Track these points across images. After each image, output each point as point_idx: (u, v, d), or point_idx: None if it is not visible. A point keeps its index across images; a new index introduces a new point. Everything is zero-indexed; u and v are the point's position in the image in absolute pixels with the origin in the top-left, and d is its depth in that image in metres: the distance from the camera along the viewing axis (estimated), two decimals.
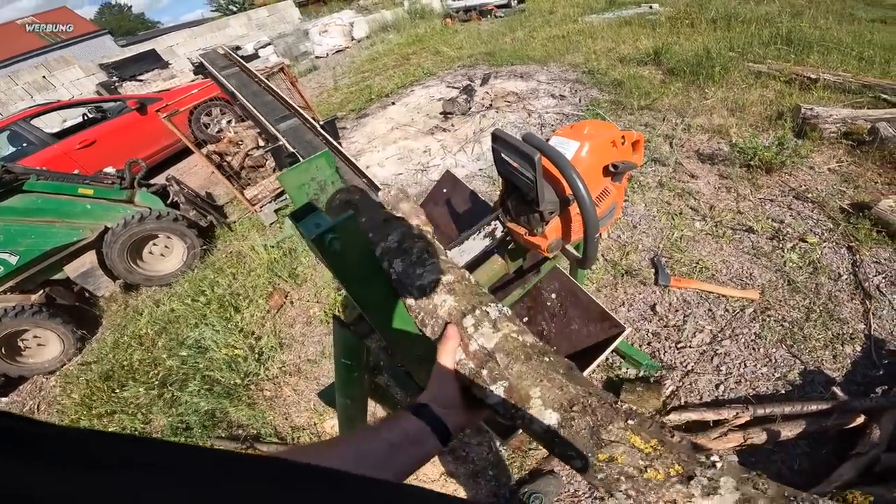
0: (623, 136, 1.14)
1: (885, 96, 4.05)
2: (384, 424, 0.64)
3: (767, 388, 2.17)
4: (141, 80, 10.07)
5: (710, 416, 2.03)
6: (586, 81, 6.04)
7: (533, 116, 5.35)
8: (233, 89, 2.21)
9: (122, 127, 6.85)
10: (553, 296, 2.00)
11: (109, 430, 2.85)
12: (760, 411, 1.97)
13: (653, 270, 2.89)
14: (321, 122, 2.07)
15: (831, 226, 2.91)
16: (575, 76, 6.32)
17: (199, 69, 2.44)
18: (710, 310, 2.60)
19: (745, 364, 2.28)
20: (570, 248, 1.40)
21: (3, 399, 3.66)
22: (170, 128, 4.08)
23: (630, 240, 3.20)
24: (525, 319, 2.18)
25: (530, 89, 6.16)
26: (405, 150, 5.43)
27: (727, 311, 2.57)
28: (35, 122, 6.43)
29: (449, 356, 0.71)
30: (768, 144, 3.51)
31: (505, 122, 5.39)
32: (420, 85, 7.56)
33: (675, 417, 2.07)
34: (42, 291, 3.78)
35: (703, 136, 4.17)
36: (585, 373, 1.72)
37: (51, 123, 8.34)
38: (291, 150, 1.90)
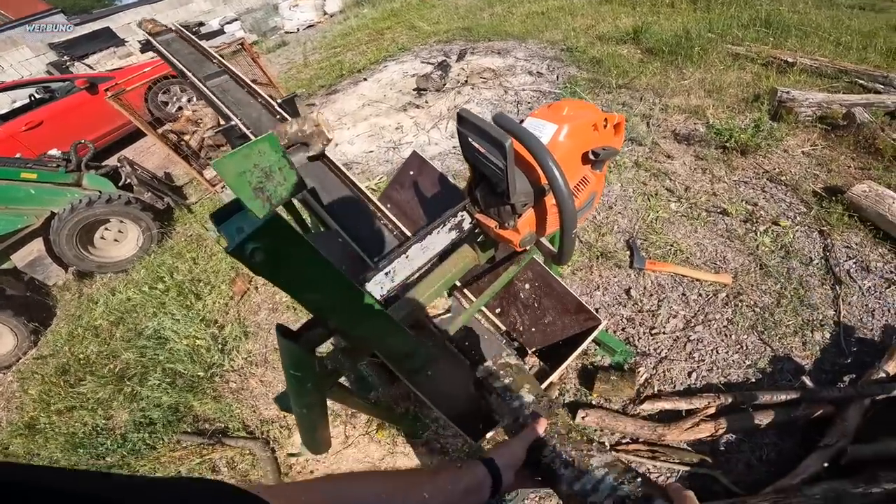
0: (605, 119, 1.04)
1: (861, 82, 4.07)
2: (450, 475, 0.75)
3: (738, 376, 2.16)
4: (91, 61, 9.46)
5: (682, 405, 2.01)
6: (564, 59, 5.91)
7: (509, 94, 5.21)
8: (182, 67, 2.00)
9: (71, 107, 6.46)
10: (526, 286, 1.92)
11: (69, 426, 2.75)
12: (731, 400, 1.96)
13: (628, 253, 2.85)
14: (278, 101, 1.91)
15: (804, 209, 2.91)
16: (553, 53, 6.19)
17: (147, 47, 2.23)
18: (684, 294, 2.58)
19: (717, 351, 2.27)
20: (545, 241, 1.29)
21: None
22: (116, 108, 3.82)
23: (606, 221, 3.15)
24: (497, 311, 2.12)
25: (507, 66, 6.00)
26: (376, 128, 5.26)
27: (701, 295, 2.55)
28: None
29: (531, 437, 0.88)
30: (744, 126, 3.50)
31: (480, 98, 5.25)
32: (394, 61, 7.31)
33: (648, 407, 2.06)
34: None
35: (679, 117, 4.13)
36: (561, 368, 1.64)
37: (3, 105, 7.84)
38: (245, 130, 1.74)
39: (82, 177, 3.98)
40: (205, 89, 1.88)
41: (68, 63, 8.72)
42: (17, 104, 7.36)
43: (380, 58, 7.58)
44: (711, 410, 1.96)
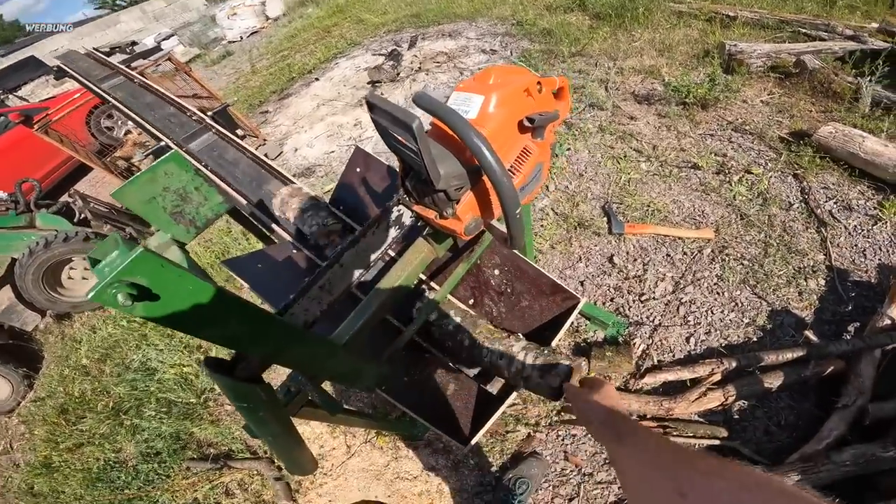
0: (539, 83, 0.94)
1: (803, 30, 4.00)
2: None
3: (739, 337, 2.04)
4: (25, 92, 8.67)
5: (685, 374, 1.88)
6: (516, 33, 5.71)
7: (465, 75, 4.99)
8: (99, 90, 1.77)
9: (11, 144, 5.84)
10: (496, 272, 1.73)
11: (83, 462, 2.70)
12: (735, 364, 1.83)
13: (605, 219, 2.71)
14: (209, 114, 1.67)
15: (773, 155, 2.81)
16: (504, 29, 5.97)
17: (60, 73, 1.97)
18: (668, 255, 2.45)
19: (711, 311, 2.15)
20: (497, 224, 1.13)
21: None
22: (46, 140, 3.44)
23: (578, 189, 3.00)
24: (471, 302, 1.95)
25: (460, 47, 5.75)
26: (334, 126, 4.98)
27: (685, 254, 2.43)
28: None
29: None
30: (700, 81, 3.39)
31: (437, 83, 5.01)
32: (344, 57, 6.95)
33: (650, 380, 1.92)
34: None
35: (636, 78, 3.99)
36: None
37: None
38: (175, 147, 1.50)
39: (34, 217, 3.69)
40: (129, 112, 1.64)
41: (2, 97, 7.94)
42: None
43: (329, 56, 7.21)
44: (717, 377, 1.83)
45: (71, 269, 3.77)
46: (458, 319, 1.45)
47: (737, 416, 1.82)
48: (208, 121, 1.64)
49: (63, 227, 3.66)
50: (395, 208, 1.09)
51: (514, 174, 0.93)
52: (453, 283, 1.45)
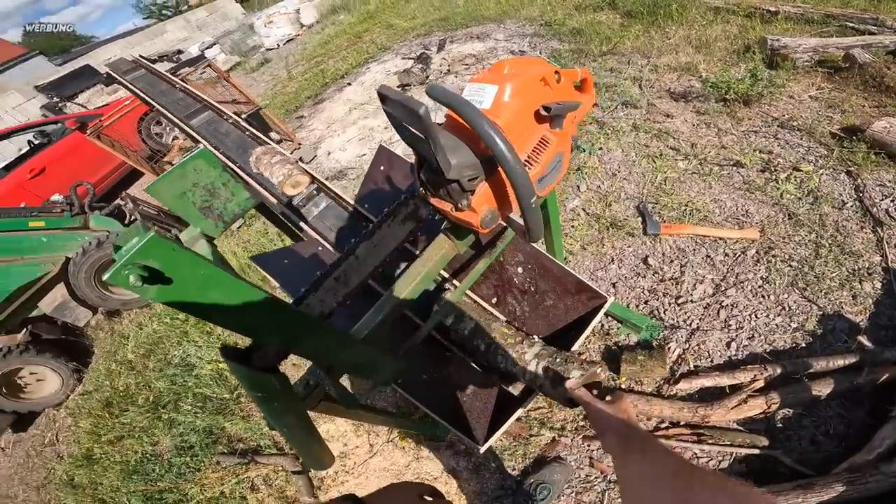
0: (557, 72, 0.90)
1: (851, 24, 3.72)
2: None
3: (785, 342, 1.88)
4: (82, 99, 9.18)
5: (724, 380, 1.75)
6: (545, 34, 5.58)
7: None
8: (142, 95, 1.83)
9: (69, 149, 6.13)
10: (519, 269, 1.67)
11: (122, 455, 2.83)
12: (780, 371, 1.69)
13: (640, 219, 2.58)
14: (243, 116, 1.69)
15: (824, 152, 2.60)
16: (533, 30, 5.85)
17: (109, 81, 2.05)
18: (708, 256, 2.30)
19: (755, 315, 1.99)
20: (516, 217, 1.10)
21: (23, 434, 3.63)
22: (99, 146, 3.60)
23: (611, 189, 2.87)
24: (494, 301, 1.90)
25: (488, 49, 5.68)
26: (366, 130, 5.00)
27: (727, 255, 2.27)
28: None
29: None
30: (741, 77, 3.19)
31: (464, 85, 4.95)
32: (375, 61, 7.00)
33: (685, 386, 1.80)
34: (25, 330, 3.56)
35: (671, 76, 3.80)
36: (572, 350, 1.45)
37: (7, 152, 7.56)
38: (211, 149, 1.52)
39: (88, 219, 3.85)
40: (171, 116, 1.69)
41: (61, 104, 8.39)
42: (24, 151, 7.16)
43: (361, 61, 7.27)
44: (759, 384, 1.70)
45: None
46: (472, 323, 1.43)
47: (780, 425, 1.69)
48: (242, 123, 1.66)
49: (114, 228, 3.82)
50: (410, 201, 1.06)
51: (531, 164, 0.89)
52: (472, 280, 1.42)
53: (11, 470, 3.45)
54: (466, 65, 5.45)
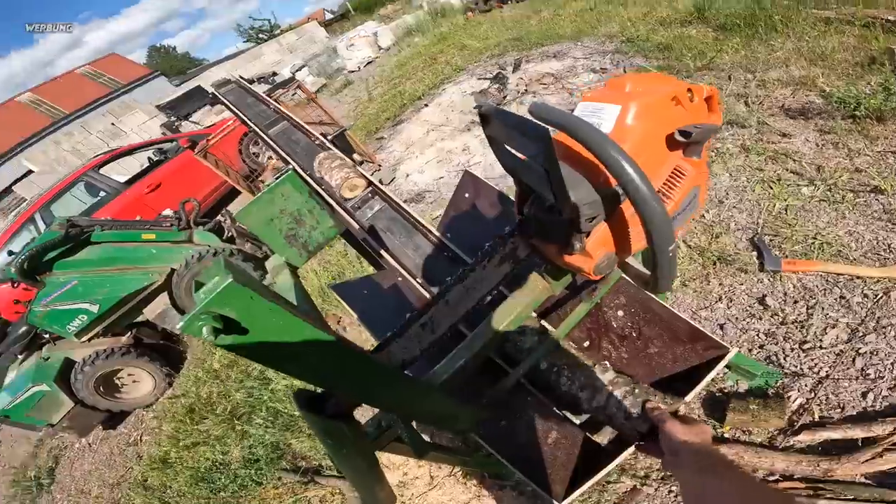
0: (690, 90, 0.74)
1: None
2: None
3: None
4: (196, 118, 10.19)
5: (856, 432, 1.47)
6: (627, 50, 5.27)
7: (575, 95, 4.70)
8: (239, 113, 1.91)
9: (182, 166, 6.67)
10: (619, 313, 1.49)
11: (195, 461, 2.88)
12: None
13: (755, 254, 2.25)
14: (329, 138, 1.70)
15: None
16: (613, 47, 5.57)
17: (214, 100, 2.18)
18: (842, 297, 1.95)
19: None
20: (633, 261, 0.92)
21: (112, 431, 3.86)
22: (204, 164, 3.90)
23: (718, 219, 2.56)
24: (586, 344, 1.70)
25: (566, 68, 5.48)
26: (443, 152, 4.99)
27: (866, 296, 1.91)
28: (108, 169, 6.46)
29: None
30: (871, 92, 2.77)
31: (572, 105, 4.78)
32: (451, 82, 7.04)
33: (805, 438, 1.53)
34: (130, 333, 3.89)
35: (784, 91, 3.38)
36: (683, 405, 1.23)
37: (131, 168, 8.54)
38: (300, 171, 1.52)
39: (192, 233, 4.12)
40: (262, 134, 1.72)
41: (177, 123, 9.32)
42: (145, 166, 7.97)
43: (437, 82, 7.36)
44: None
45: None
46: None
47: None
48: (328, 144, 1.66)
49: (214, 243, 4.05)
50: (509, 241, 0.92)
51: (664, 200, 0.74)
52: (571, 325, 1.26)
53: (93, 466, 3.65)
54: (545, 84, 5.29)
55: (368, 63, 12.45)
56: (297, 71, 12.37)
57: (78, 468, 3.79)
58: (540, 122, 0.60)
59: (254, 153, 6.94)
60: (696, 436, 0.72)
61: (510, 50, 7.30)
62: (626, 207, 0.70)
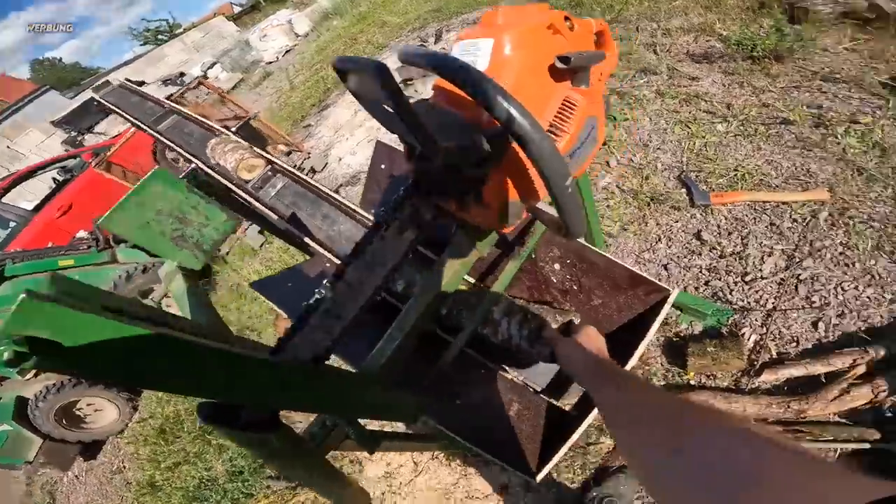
0: (568, 17, 0.69)
1: None
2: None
3: (882, 318, 1.59)
4: (100, 129, 9.15)
5: (818, 367, 1.49)
6: None
7: None
8: (124, 114, 1.66)
9: (90, 183, 5.71)
10: (556, 266, 1.39)
11: (182, 481, 2.79)
12: (884, 352, 1.42)
13: (684, 191, 2.30)
14: (233, 129, 1.48)
15: (880, 102, 2.29)
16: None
17: (99, 107, 1.89)
18: (772, 224, 2.01)
19: (841, 288, 1.71)
20: (545, 206, 0.85)
21: (94, 461, 3.67)
22: (107, 177, 3.49)
23: (645, 161, 2.59)
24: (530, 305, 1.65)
25: None
26: (373, 131, 4.79)
27: (795, 221, 1.98)
28: (12, 197, 5.75)
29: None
30: (765, 34, 2.88)
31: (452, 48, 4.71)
32: None
33: (769, 377, 1.53)
34: None
35: (687, 38, 3.47)
36: (634, 359, 1.16)
37: (39, 191, 7.52)
38: (198, 163, 1.32)
39: (115, 252, 3.76)
40: (151, 131, 1.49)
41: (80, 137, 8.32)
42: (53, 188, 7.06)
43: None
44: (861, 369, 1.43)
45: (152, 299, 3.72)
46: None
47: (890, 415, 1.42)
48: (219, 129, 1.48)
49: (141, 259, 3.69)
50: (406, 203, 0.80)
51: (556, 134, 0.65)
52: (504, 284, 1.16)
53: (88, 498, 3.48)
54: None
55: (287, 52, 11.73)
56: (208, 69, 11.41)
57: (74, 501, 3.62)
58: (373, 60, 0.51)
59: (173, 159, 6.35)
60: (588, 349, 0.72)
61: (431, 22, 7.09)
62: (518, 148, 0.61)
